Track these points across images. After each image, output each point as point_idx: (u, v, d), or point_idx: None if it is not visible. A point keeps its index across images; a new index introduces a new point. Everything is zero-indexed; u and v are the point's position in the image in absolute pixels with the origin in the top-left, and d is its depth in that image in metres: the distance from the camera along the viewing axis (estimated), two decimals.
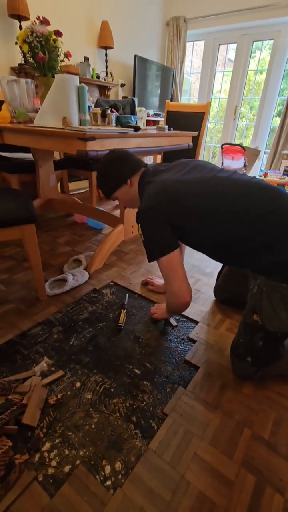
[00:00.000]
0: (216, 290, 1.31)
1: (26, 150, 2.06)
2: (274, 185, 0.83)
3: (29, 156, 2.04)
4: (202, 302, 1.31)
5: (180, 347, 1.05)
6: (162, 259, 0.89)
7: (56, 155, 2.55)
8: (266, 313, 0.81)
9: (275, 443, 0.75)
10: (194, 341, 1.08)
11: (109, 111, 1.39)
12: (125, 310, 1.20)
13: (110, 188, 1.03)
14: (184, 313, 1.22)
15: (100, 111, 1.32)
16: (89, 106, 1.50)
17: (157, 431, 0.76)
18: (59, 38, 1.52)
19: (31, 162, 1.93)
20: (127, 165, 0.99)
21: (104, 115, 1.29)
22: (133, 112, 2.02)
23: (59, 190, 2.49)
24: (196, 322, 1.18)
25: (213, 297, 1.34)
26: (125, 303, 1.24)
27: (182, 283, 0.90)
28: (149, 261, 0.92)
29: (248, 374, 0.90)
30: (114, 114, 1.34)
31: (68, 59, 1.64)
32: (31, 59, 1.53)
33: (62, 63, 1.98)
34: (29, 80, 1.55)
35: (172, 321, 1.16)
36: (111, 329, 1.12)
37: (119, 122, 1.42)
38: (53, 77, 1.52)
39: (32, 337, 1.05)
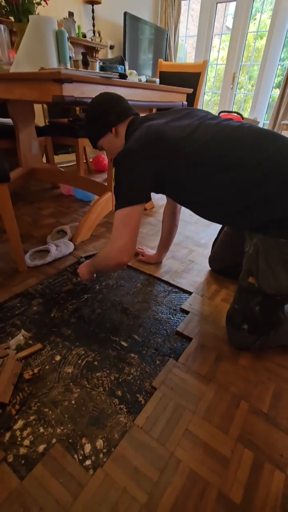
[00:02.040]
0: (211, 259, 1.22)
1: (4, 114, 1.88)
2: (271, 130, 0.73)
3: (8, 121, 1.86)
4: (196, 273, 1.21)
5: (172, 318, 0.97)
6: (125, 210, 0.79)
7: (41, 122, 2.37)
8: (263, 274, 0.72)
9: (275, 417, 0.68)
10: (187, 312, 0.99)
11: (94, 60, 1.22)
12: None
13: (94, 136, 0.91)
14: (176, 283, 1.13)
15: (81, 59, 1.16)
16: (70, 57, 1.33)
17: (144, 406, 0.68)
18: None
19: (10, 126, 1.76)
20: (114, 112, 0.87)
21: (86, 62, 1.13)
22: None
23: (44, 161, 2.32)
24: (190, 293, 1.09)
25: (207, 268, 1.25)
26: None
27: (130, 243, 0.81)
28: (116, 210, 0.81)
29: (246, 343, 0.83)
30: (98, 62, 1.18)
31: (46, 3, 1.44)
32: (4, 1, 1.34)
33: (40, 11, 1.77)
34: (1, 26, 1.36)
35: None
36: (96, 300, 1.02)
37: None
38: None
39: (8, 310, 0.96)
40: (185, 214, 1.76)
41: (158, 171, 0.79)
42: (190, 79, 1.92)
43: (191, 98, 1.83)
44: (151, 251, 1.31)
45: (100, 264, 0.92)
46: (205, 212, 0.84)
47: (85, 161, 2.60)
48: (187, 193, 0.82)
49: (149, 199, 0.82)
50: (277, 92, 3.30)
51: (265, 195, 0.68)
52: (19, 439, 0.61)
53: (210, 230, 1.60)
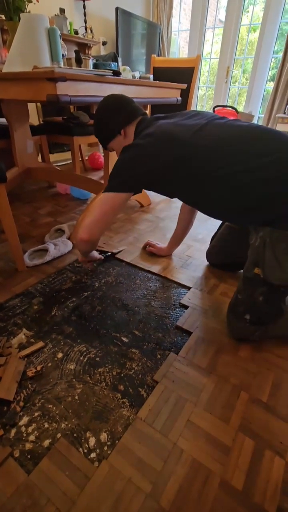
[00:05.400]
0: (209, 253, 1.23)
1: None
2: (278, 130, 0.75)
3: (2, 120, 1.85)
4: (194, 268, 1.23)
5: (172, 313, 0.98)
6: (107, 194, 0.83)
7: (35, 121, 2.35)
8: (269, 265, 0.74)
9: (274, 406, 0.70)
10: (186, 307, 1.01)
11: (87, 57, 1.22)
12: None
13: (103, 138, 0.95)
14: (175, 278, 1.15)
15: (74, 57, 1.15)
16: (63, 54, 1.33)
17: (146, 399, 0.70)
18: None
19: (5, 126, 1.75)
20: (121, 114, 0.89)
21: (79, 59, 1.13)
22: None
23: (40, 160, 2.32)
24: (188, 288, 1.10)
25: (205, 263, 1.26)
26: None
27: (95, 222, 0.85)
28: (104, 191, 0.84)
29: (246, 334, 0.84)
30: (91, 59, 1.18)
31: (37, 0, 1.43)
32: None
33: (31, 8, 1.75)
34: None
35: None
36: (96, 298, 1.03)
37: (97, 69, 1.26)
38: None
39: (9, 309, 0.96)
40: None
41: (162, 169, 0.81)
42: (183, 74, 1.91)
43: (185, 93, 1.83)
44: (161, 244, 1.32)
45: (75, 240, 0.97)
46: (212, 210, 0.87)
47: (80, 159, 2.60)
48: (192, 191, 0.85)
49: (139, 191, 0.86)
50: (271, 85, 3.29)
51: (273, 192, 0.71)
52: (25, 434, 0.62)
53: (207, 225, 1.61)
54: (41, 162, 2.06)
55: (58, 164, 2.81)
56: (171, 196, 0.93)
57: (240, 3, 3.23)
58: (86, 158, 2.78)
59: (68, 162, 2.90)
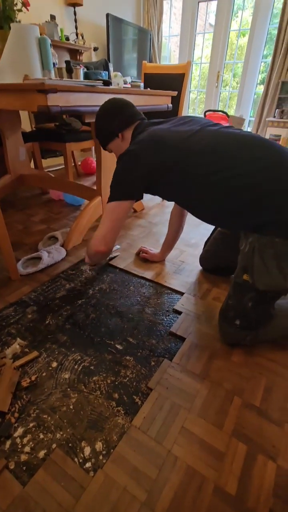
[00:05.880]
0: (202, 257, 1.25)
1: None
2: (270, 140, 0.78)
3: None
4: (187, 273, 1.24)
5: (165, 319, 0.99)
6: (112, 203, 0.88)
7: (27, 127, 2.36)
8: (258, 271, 0.75)
9: (266, 410, 0.71)
10: (179, 313, 1.02)
11: (77, 66, 1.23)
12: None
13: (103, 140, 1.00)
14: (168, 284, 1.16)
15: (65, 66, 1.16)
16: (54, 63, 1.34)
17: (141, 406, 0.71)
18: None
19: None
20: (119, 118, 0.94)
21: (70, 69, 1.14)
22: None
23: (33, 167, 2.32)
24: (182, 294, 1.12)
25: (198, 268, 1.28)
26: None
27: (109, 233, 0.90)
28: (108, 202, 0.89)
29: (237, 339, 0.86)
30: (82, 69, 1.19)
31: (27, 9, 1.44)
32: None
33: (23, 20, 1.76)
34: None
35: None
36: (90, 305, 1.04)
37: (88, 79, 1.27)
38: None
39: (3, 319, 0.96)
40: None
41: (156, 173, 0.85)
42: (174, 80, 1.94)
43: (176, 99, 1.85)
44: (154, 250, 1.33)
45: (88, 252, 1.00)
46: (204, 214, 0.89)
47: (73, 164, 2.60)
48: (186, 195, 0.88)
49: (138, 198, 0.90)
50: (261, 89, 3.35)
51: (261, 198, 0.73)
52: (20, 446, 0.62)
53: (200, 230, 1.63)
54: (33, 169, 2.06)
55: (51, 169, 2.81)
56: (168, 200, 0.98)
57: (229, 8, 3.29)
58: (79, 163, 2.79)
59: (61, 167, 2.90)
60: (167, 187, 0.89)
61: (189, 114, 4.15)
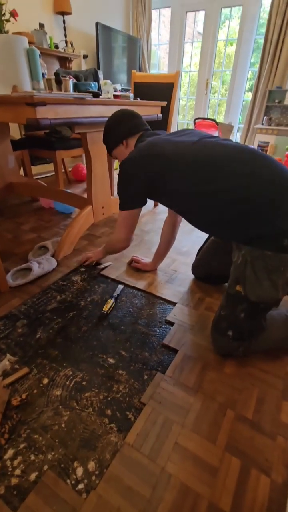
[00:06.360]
0: (194, 266, 1.25)
1: None
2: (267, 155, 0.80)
3: None
4: (179, 283, 1.24)
5: (158, 331, 0.99)
6: (124, 212, 1.01)
7: (16, 135, 2.34)
8: (250, 283, 0.77)
9: (259, 422, 0.72)
10: (172, 324, 1.02)
11: (66, 77, 1.23)
12: (113, 299, 1.10)
13: (108, 146, 1.07)
14: (160, 294, 1.16)
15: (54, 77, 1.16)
16: (43, 73, 1.34)
17: (134, 422, 0.70)
18: None
19: None
20: (126, 126, 1.01)
21: (59, 81, 1.14)
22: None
23: (22, 174, 2.30)
24: (174, 304, 1.12)
25: (191, 277, 1.28)
26: (118, 293, 1.15)
27: (129, 235, 1.07)
28: (120, 210, 1.01)
29: (230, 350, 0.86)
30: (71, 80, 1.19)
31: (15, 19, 1.44)
32: None
33: (13, 29, 1.75)
34: None
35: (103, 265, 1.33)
36: (82, 318, 1.03)
37: (77, 90, 1.28)
38: None
39: None
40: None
41: (154, 179, 0.89)
42: (163, 90, 1.96)
43: (166, 109, 1.87)
44: (146, 259, 1.33)
45: (108, 250, 1.24)
46: (198, 223, 0.91)
47: (63, 171, 2.59)
48: (181, 203, 0.90)
49: (144, 203, 1.00)
50: (249, 96, 3.41)
51: (251, 211, 0.74)
52: (10, 469, 0.61)
53: (192, 237, 1.64)
54: (23, 177, 2.04)
55: (41, 176, 2.79)
56: (168, 207, 1.03)
57: (217, 19, 3.36)
58: (70, 170, 2.78)
59: (51, 174, 2.88)
60: (166, 194, 0.93)
61: (179, 121, 4.21)
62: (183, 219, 1.04)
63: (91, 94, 1.07)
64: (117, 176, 1.02)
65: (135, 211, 1.00)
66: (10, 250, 1.45)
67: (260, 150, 0.88)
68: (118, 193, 0.99)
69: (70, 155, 2.10)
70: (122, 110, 1.05)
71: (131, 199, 0.98)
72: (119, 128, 1.02)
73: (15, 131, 2.33)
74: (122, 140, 1.02)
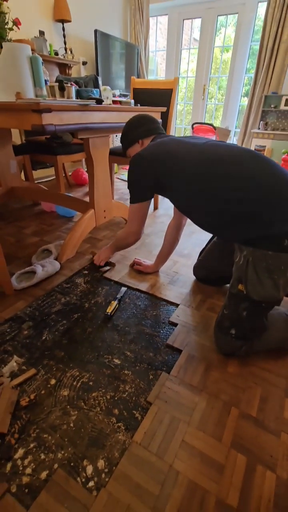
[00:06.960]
0: (196, 267, 1.27)
1: None
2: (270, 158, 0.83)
3: None
4: (181, 284, 1.26)
5: (162, 331, 1.00)
6: (134, 205, 1.06)
7: (17, 140, 2.36)
8: (251, 282, 0.79)
9: (263, 419, 0.73)
10: (175, 324, 1.03)
11: (68, 84, 1.26)
12: (117, 301, 1.12)
13: (125, 144, 1.14)
14: (163, 296, 1.18)
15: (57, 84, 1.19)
16: (45, 80, 1.36)
17: (141, 421, 0.71)
18: (4, 2, 1.35)
19: None
20: (143, 127, 1.09)
21: (62, 87, 1.16)
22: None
23: (23, 178, 2.32)
24: (177, 305, 1.13)
25: (192, 278, 1.30)
26: (121, 295, 1.17)
27: (141, 227, 1.12)
28: (130, 203, 1.06)
29: (233, 349, 0.88)
30: (74, 87, 1.22)
31: (18, 28, 1.47)
32: None
33: (13, 36, 1.79)
34: None
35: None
36: (87, 319, 1.04)
37: (79, 96, 1.30)
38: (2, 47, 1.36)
39: None
40: (166, 224, 1.82)
41: (161, 174, 0.94)
42: (162, 96, 1.99)
43: (165, 114, 1.91)
44: (148, 261, 1.35)
45: (119, 245, 1.25)
46: (202, 223, 0.93)
47: (64, 175, 2.62)
48: (186, 201, 0.93)
49: (152, 196, 1.06)
50: (245, 101, 3.47)
51: (254, 212, 0.77)
52: (21, 468, 0.62)
53: (192, 240, 1.67)
54: (25, 181, 2.06)
55: (42, 181, 2.81)
56: (174, 204, 1.05)
57: (213, 26, 3.42)
58: (70, 174, 2.80)
59: (52, 178, 2.91)
60: (172, 191, 0.97)
61: (176, 126, 4.26)
62: (186, 223, 1.07)
63: (95, 100, 1.10)
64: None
65: (145, 203, 1.05)
66: (14, 253, 1.47)
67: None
68: (128, 186, 1.04)
69: (71, 159, 2.12)
70: (140, 115, 1.13)
71: (141, 191, 1.02)
72: (138, 128, 1.09)
73: (17, 137, 2.36)
74: (138, 140, 1.10)
